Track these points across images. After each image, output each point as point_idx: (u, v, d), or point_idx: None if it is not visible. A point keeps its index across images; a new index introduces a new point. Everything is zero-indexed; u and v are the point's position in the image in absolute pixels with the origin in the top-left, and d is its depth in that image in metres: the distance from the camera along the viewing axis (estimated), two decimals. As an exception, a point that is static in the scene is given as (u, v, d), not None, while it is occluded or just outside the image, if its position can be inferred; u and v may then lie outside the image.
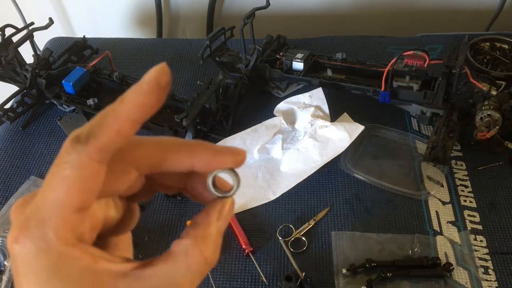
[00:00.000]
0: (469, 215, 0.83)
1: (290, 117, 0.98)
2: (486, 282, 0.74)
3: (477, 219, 0.82)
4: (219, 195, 0.28)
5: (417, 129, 0.98)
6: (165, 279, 0.25)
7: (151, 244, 0.82)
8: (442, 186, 0.87)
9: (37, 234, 0.24)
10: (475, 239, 0.79)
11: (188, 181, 0.29)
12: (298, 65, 1.01)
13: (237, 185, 0.28)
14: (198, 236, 0.26)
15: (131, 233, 0.31)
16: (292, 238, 0.81)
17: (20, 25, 1.10)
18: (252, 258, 0.79)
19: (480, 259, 0.77)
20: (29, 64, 1.01)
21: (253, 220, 0.85)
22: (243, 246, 0.80)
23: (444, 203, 0.85)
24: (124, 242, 0.30)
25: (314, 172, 0.89)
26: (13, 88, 1.05)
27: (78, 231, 0.25)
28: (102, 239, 0.28)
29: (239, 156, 0.28)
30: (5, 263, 0.79)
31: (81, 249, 0.25)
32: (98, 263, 0.25)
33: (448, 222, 0.82)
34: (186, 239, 0.26)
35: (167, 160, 0.27)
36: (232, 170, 0.28)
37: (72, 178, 0.24)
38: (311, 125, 0.94)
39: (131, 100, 0.24)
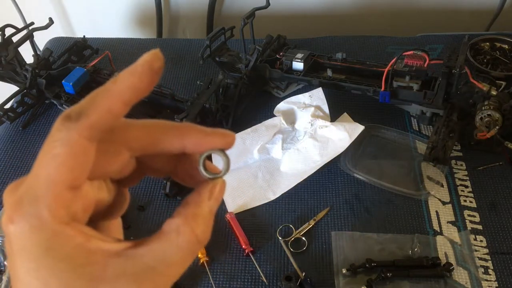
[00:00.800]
0: (469, 215, 0.83)
1: (290, 117, 0.98)
2: (486, 282, 0.74)
3: (477, 219, 0.82)
4: (210, 176, 0.29)
5: (417, 129, 0.98)
6: (157, 257, 0.25)
7: (151, 244, 0.82)
8: (442, 186, 0.87)
9: (31, 212, 0.24)
10: (475, 239, 0.79)
11: (179, 164, 0.30)
12: (298, 65, 1.01)
13: (227, 166, 0.29)
14: (189, 214, 0.27)
15: (121, 219, 0.31)
16: (292, 238, 0.81)
17: (20, 25, 1.10)
18: (252, 258, 0.79)
19: (480, 259, 0.77)
20: (29, 64, 1.01)
21: (253, 220, 0.85)
22: (243, 246, 0.80)
23: (444, 203, 0.85)
24: (115, 227, 0.30)
25: (314, 172, 0.89)
26: (13, 88, 1.05)
27: (71, 210, 0.25)
28: (94, 223, 0.28)
29: (228, 138, 0.29)
30: (5, 263, 0.79)
31: (74, 227, 0.24)
32: (91, 242, 0.25)
33: (448, 222, 0.82)
34: (177, 217, 0.27)
35: (159, 141, 0.28)
36: (222, 152, 0.29)
37: (62, 155, 0.24)
38: (311, 125, 0.94)
39: (124, 80, 0.25)
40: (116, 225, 0.30)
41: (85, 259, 0.24)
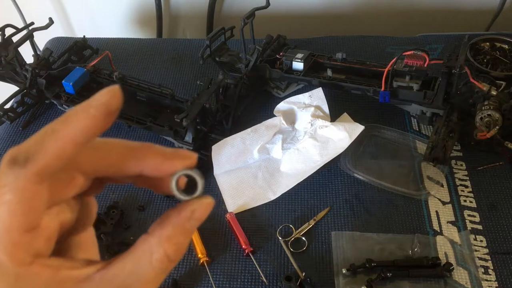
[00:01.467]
0: (469, 215, 0.83)
1: (290, 117, 0.98)
2: (486, 282, 0.74)
3: (477, 219, 0.82)
4: (185, 198, 0.27)
5: (417, 129, 0.98)
6: (131, 276, 0.25)
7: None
8: (442, 186, 0.87)
9: None
10: (475, 239, 0.79)
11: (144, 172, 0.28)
12: (298, 65, 1.01)
13: (201, 187, 0.27)
14: (164, 236, 0.26)
15: (93, 228, 0.31)
16: (292, 238, 0.81)
17: (20, 25, 1.10)
18: (252, 258, 0.79)
19: (480, 259, 0.77)
20: (29, 64, 1.01)
21: (253, 220, 0.85)
22: (243, 246, 0.80)
23: (444, 203, 0.85)
24: (88, 239, 0.30)
25: (314, 172, 0.89)
26: (13, 88, 1.05)
27: (32, 249, 0.24)
28: (63, 242, 0.28)
29: (188, 160, 0.27)
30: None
31: (39, 264, 0.24)
32: (60, 272, 0.25)
33: (448, 222, 0.82)
34: (151, 237, 0.26)
35: (113, 165, 0.27)
36: (192, 171, 0.27)
37: (13, 202, 0.23)
38: (311, 125, 0.94)
39: (75, 122, 0.23)
40: (88, 237, 0.30)
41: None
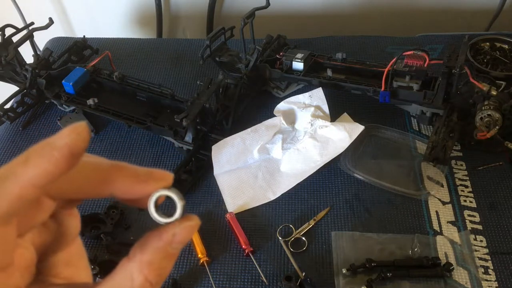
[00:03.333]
0: (469, 215, 0.83)
1: (290, 117, 0.98)
2: (486, 282, 0.74)
3: (477, 219, 0.82)
4: (164, 221, 0.25)
5: (417, 129, 0.98)
6: None
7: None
8: (442, 186, 0.87)
9: None
10: (475, 239, 0.79)
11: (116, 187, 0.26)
12: (298, 65, 1.01)
13: (181, 210, 0.25)
14: (144, 261, 0.24)
15: (80, 239, 0.29)
16: (292, 238, 0.81)
17: (20, 25, 1.10)
18: (252, 258, 0.79)
19: (480, 259, 0.77)
20: (29, 64, 1.01)
21: (253, 220, 0.85)
22: (243, 246, 0.80)
23: (444, 203, 0.85)
24: (73, 253, 0.28)
25: (314, 172, 0.89)
26: (13, 88, 1.05)
27: (10, 284, 0.24)
28: (47, 260, 0.26)
29: (163, 182, 0.25)
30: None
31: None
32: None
33: (448, 222, 0.82)
34: (132, 262, 0.25)
35: (82, 189, 0.25)
36: (171, 191, 0.25)
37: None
38: (311, 125, 0.94)
39: (36, 165, 0.22)
40: (74, 250, 0.28)
41: None
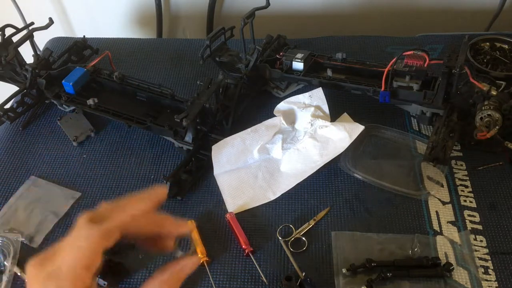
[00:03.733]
0: (469, 215, 0.83)
1: (290, 117, 0.98)
2: (486, 282, 0.74)
3: (477, 219, 0.82)
4: (180, 253, 0.46)
5: (417, 129, 0.98)
6: None
7: (151, 244, 0.82)
8: (442, 186, 0.87)
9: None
10: (475, 239, 0.79)
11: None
12: (298, 65, 1.01)
13: (193, 248, 0.44)
14: (163, 279, 0.43)
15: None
16: (292, 238, 0.81)
17: (20, 25, 1.10)
18: (252, 258, 0.79)
19: (480, 259, 0.77)
20: (29, 64, 1.01)
21: (253, 220, 0.85)
22: (243, 246, 0.80)
23: (444, 203, 0.85)
24: None
25: (314, 172, 0.89)
26: (13, 88, 1.05)
27: (89, 278, 0.38)
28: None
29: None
30: (5, 263, 0.79)
31: None
32: None
33: (448, 222, 0.82)
34: (154, 279, 0.42)
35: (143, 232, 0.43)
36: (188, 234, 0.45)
37: (83, 248, 0.38)
38: (311, 125, 0.94)
39: (136, 205, 0.42)
40: None
41: None
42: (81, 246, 0.37)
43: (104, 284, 0.55)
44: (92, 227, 0.38)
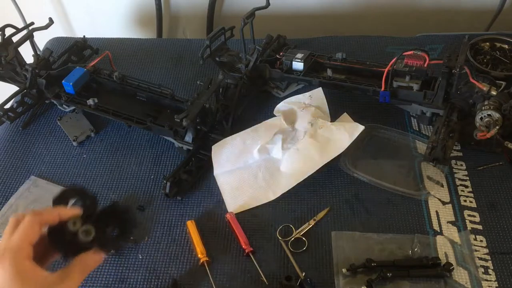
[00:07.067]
0: (469, 215, 0.83)
1: (290, 117, 0.98)
2: (486, 282, 0.74)
3: (477, 219, 0.82)
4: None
5: (417, 129, 0.98)
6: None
7: (151, 244, 0.82)
8: (442, 186, 0.87)
9: (9, 258, 0.50)
10: (475, 239, 0.79)
11: None
12: (298, 65, 1.01)
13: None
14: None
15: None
16: (292, 238, 0.81)
17: (20, 25, 1.10)
18: (252, 258, 0.79)
19: (480, 259, 0.77)
20: (29, 64, 1.01)
21: (253, 220, 0.85)
22: (243, 246, 0.80)
23: (444, 203, 0.85)
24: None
25: (314, 172, 0.89)
26: (13, 88, 1.05)
27: (31, 254, 0.52)
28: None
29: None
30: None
31: (32, 264, 0.51)
32: (41, 271, 0.52)
33: (448, 222, 0.82)
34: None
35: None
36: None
37: (28, 229, 0.52)
38: (311, 125, 0.94)
39: (53, 214, 0.55)
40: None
41: (35, 280, 0.51)
42: (26, 229, 0.52)
43: (115, 234, 0.56)
44: (35, 216, 0.53)
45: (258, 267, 0.78)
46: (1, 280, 0.49)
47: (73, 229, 0.55)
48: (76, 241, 0.54)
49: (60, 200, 0.57)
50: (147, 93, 1.00)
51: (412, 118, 1.00)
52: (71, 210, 0.56)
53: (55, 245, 0.55)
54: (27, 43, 1.04)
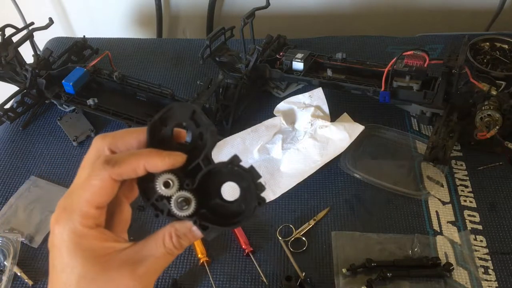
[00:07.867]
0: (469, 215, 0.83)
1: (290, 117, 0.98)
2: (486, 282, 0.74)
3: (477, 219, 0.82)
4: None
5: (417, 129, 0.98)
6: (148, 252, 0.40)
7: (151, 244, 0.82)
8: (442, 186, 0.87)
9: (69, 219, 0.37)
10: (475, 239, 0.79)
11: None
12: (298, 65, 1.01)
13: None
14: (173, 227, 0.43)
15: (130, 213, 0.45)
16: (292, 238, 0.81)
17: (20, 25, 1.10)
18: (252, 258, 0.79)
19: (480, 259, 0.77)
20: (29, 64, 1.01)
21: (253, 220, 0.85)
22: (243, 246, 0.80)
23: (444, 203, 0.85)
24: (124, 221, 0.44)
25: (314, 172, 0.89)
26: (13, 88, 1.05)
27: (97, 220, 0.38)
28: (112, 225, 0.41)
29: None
30: (5, 263, 0.79)
31: (98, 230, 0.38)
32: (107, 241, 0.39)
33: (448, 222, 0.82)
34: (165, 228, 0.42)
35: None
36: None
37: (98, 187, 0.37)
38: (311, 125, 0.94)
39: (153, 157, 0.38)
40: (124, 220, 0.44)
41: (102, 252, 0.38)
42: (93, 185, 0.37)
43: (188, 186, 0.37)
44: (108, 167, 0.37)
45: (258, 267, 0.78)
46: (57, 251, 0.37)
47: (164, 192, 0.37)
48: (164, 209, 0.39)
49: (160, 123, 0.38)
50: (147, 93, 1.00)
51: (412, 118, 1.00)
52: (168, 156, 0.37)
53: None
54: (27, 43, 1.04)
